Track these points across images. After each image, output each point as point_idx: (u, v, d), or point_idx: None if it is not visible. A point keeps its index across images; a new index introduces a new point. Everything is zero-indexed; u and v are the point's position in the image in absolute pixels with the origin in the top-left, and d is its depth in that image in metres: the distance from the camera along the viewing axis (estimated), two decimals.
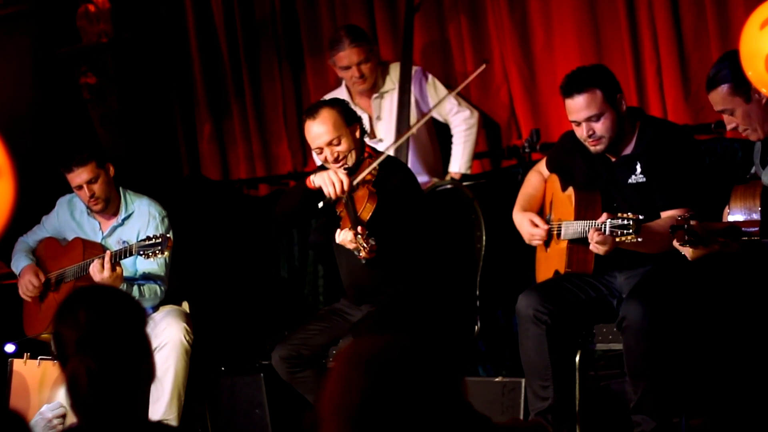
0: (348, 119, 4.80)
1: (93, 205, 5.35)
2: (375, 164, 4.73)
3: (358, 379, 2.03)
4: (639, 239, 4.12)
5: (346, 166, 4.75)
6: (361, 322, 4.81)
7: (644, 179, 4.45)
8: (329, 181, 4.66)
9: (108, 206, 5.38)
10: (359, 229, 4.53)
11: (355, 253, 4.58)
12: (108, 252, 5.06)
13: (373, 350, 2.08)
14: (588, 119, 4.43)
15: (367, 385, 2.02)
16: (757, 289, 4.17)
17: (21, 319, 5.51)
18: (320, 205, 4.67)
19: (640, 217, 4.13)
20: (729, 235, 3.77)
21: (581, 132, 4.48)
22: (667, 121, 4.97)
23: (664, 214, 4.36)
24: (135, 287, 5.17)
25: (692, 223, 3.80)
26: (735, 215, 3.93)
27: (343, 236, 4.59)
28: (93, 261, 5.11)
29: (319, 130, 4.76)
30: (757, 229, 3.76)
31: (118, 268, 5.04)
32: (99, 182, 5.32)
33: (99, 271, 5.02)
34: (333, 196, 4.65)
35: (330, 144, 4.75)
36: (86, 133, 6.68)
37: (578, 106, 4.43)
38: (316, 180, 4.71)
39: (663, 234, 4.29)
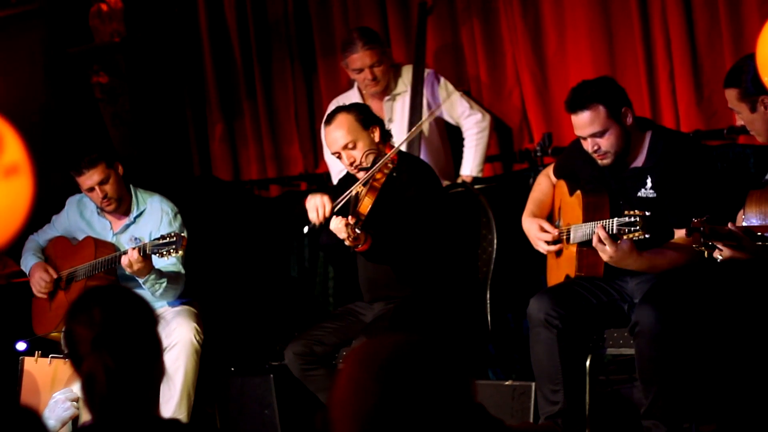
0: (365, 123, 4.83)
1: (106, 205, 5.33)
2: (379, 165, 4.72)
3: (370, 382, 2.02)
4: (647, 235, 4.09)
5: (363, 167, 4.77)
6: (373, 324, 4.82)
7: (654, 195, 4.42)
8: (313, 207, 4.71)
9: (120, 205, 5.37)
10: (350, 218, 4.56)
11: (344, 242, 4.61)
12: (143, 243, 5.04)
13: (384, 352, 2.06)
14: (592, 135, 4.43)
15: (379, 389, 2.00)
16: None
17: (30, 317, 5.51)
18: (305, 230, 4.73)
19: (647, 213, 4.11)
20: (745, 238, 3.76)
21: (587, 146, 4.48)
22: (679, 132, 4.95)
23: (679, 233, 4.29)
24: (153, 283, 5.13)
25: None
26: (750, 220, 3.91)
27: (334, 224, 4.62)
28: (108, 258, 5.11)
29: (334, 135, 4.81)
30: None
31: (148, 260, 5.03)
32: (110, 182, 5.30)
33: (133, 261, 4.96)
34: (316, 222, 4.70)
35: (346, 148, 4.78)
36: (98, 132, 6.68)
37: (582, 123, 4.43)
38: (306, 204, 4.76)
39: (670, 255, 4.27)
